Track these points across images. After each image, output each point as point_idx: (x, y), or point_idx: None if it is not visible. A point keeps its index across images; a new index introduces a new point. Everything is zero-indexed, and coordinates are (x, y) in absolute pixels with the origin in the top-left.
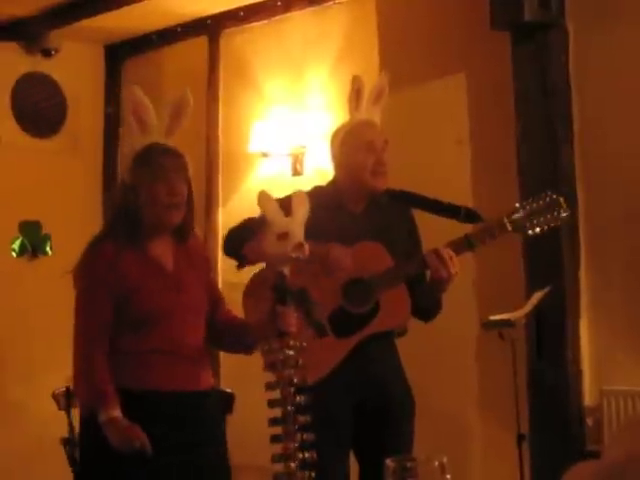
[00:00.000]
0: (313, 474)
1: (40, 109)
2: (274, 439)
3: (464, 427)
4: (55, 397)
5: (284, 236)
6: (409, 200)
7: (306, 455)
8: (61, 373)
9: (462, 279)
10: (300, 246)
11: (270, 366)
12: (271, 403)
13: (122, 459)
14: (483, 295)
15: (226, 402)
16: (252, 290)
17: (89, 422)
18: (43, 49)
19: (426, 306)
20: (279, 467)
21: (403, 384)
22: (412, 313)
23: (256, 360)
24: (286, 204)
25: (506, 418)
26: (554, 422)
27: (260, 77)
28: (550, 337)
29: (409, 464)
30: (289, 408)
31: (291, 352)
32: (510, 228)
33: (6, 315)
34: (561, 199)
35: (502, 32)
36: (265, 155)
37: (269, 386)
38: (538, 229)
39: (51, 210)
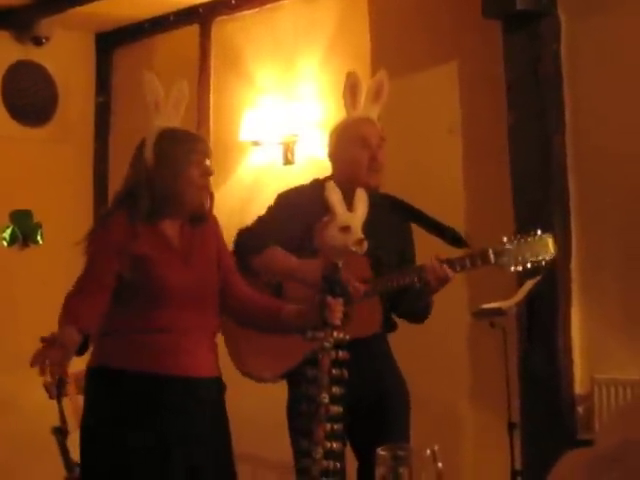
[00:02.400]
0: (339, 464)
1: (31, 97)
2: (303, 431)
3: (455, 416)
4: (46, 386)
5: (347, 230)
6: (402, 210)
7: (334, 445)
8: None
9: None
10: (361, 241)
11: (311, 354)
12: (307, 389)
13: (128, 448)
14: (474, 284)
15: None
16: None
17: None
18: (34, 37)
19: (417, 310)
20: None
21: (397, 379)
22: (403, 316)
23: None
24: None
25: (497, 406)
26: (545, 410)
27: (251, 65)
28: (541, 325)
29: (401, 453)
30: (324, 397)
31: (332, 343)
32: (493, 261)
33: None
34: (550, 240)
35: (494, 21)
36: (256, 144)
37: (307, 380)
38: (521, 267)
39: (42, 199)
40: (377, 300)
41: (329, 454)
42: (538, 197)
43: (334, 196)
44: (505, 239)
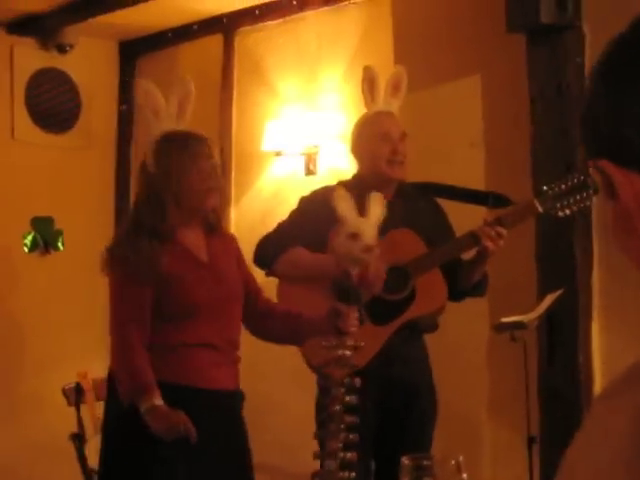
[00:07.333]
0: (353, 474)
1: (54, 105)
2: (317, 438)
3: (474, 429)
4: (65, 392)
5: (354, 237)
6: (436, 190)
7: (347, 455)
8: (72, 368)
9: None
10: (369, 248)
11: (325, 363)
12: (320, 404)
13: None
14: (495, 297)
15: None
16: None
17: (129, 413)
18: (58, 45)
19: (477, 281)
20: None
21: (429, 386)
22: (462, 294)
23: (263, 359)
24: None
25: (517, 420)
26: (565, 425)
27: (274, 76)
28: (562, 340)
29: (425, 462)
30: (337, 407)
31: (347, 352)
32: (541, 209)
33: (18, 310)
34: (589, 180)
35: (518, 34)
36: (278, 154)
37: (322, 389)
38: (568, 211)
39: (64, 206)
40: (439, 274)
41: (344, 464)
42: None
43: (342, 203)
44: (545, 187)
